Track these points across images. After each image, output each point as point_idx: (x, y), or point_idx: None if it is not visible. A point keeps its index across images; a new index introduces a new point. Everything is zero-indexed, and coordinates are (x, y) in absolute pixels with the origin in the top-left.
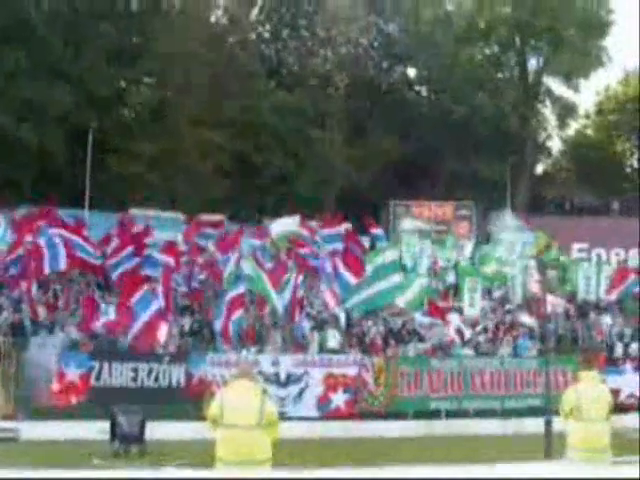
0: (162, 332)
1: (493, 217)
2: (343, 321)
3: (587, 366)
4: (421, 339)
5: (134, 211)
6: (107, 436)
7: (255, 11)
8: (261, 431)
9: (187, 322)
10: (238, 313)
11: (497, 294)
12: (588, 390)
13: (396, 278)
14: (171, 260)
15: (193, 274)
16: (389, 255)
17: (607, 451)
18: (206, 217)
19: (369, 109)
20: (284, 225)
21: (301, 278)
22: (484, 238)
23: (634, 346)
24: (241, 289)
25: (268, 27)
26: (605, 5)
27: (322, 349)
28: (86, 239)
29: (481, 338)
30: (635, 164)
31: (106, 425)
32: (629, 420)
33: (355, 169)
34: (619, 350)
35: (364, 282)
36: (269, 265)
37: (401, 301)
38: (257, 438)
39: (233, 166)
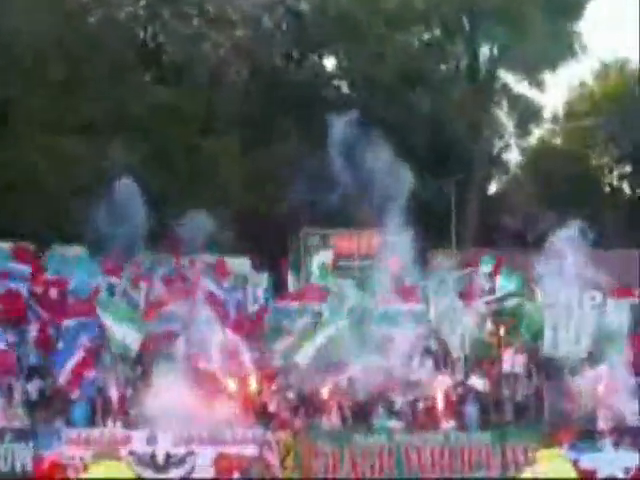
0: None
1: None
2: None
3: (550, 442)
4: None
5: None
6: None
7: None
8: None
9: (34, 387)
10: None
11: (438, 349)
12: (549, 473)
13: None
14: None
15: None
16: None
17: None
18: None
19: (274, 110)
20: None
21: None
22: (420, 277)
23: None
24: None
25: (143, 3)
26: None
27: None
28: None
29: (418, 406)
30: (615, 182)
31: None
32: None
33: (255, 187)
34: (596, 422)
35: None
36: None
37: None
38: None
39: (93, 181)
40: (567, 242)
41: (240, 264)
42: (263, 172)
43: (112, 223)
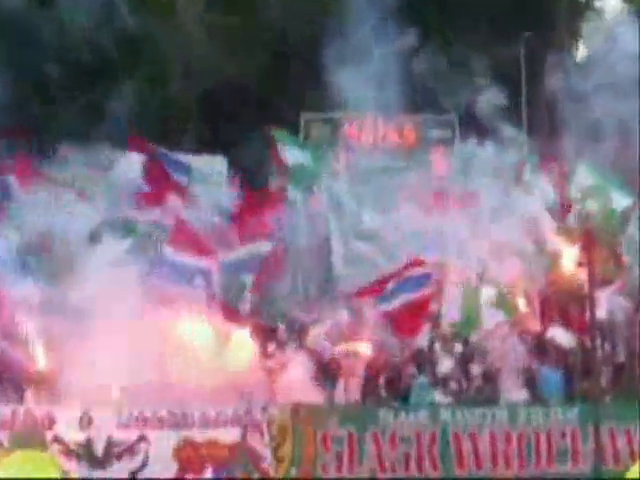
0: None
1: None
2: None
3: None
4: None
5: None
6: None
7: None
8: None
9: None
10: None
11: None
12: None
13: None
14: None
15: None
16: None
17: None
18: None
19: None
20: None
21: None
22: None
23: None
24: None
25: None
26: None
27: None
28: None
29: (473, 371)
30: None
31: None
32: None
33: (230, 53)
34: None
35: None
36: None
37: None
38: None
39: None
40: None
41: (214, 164)
42: (237, 31)
43: None
